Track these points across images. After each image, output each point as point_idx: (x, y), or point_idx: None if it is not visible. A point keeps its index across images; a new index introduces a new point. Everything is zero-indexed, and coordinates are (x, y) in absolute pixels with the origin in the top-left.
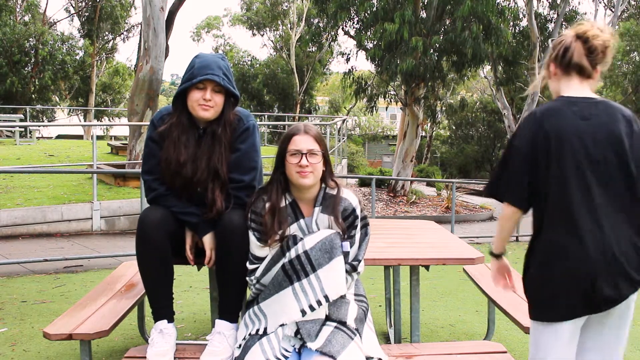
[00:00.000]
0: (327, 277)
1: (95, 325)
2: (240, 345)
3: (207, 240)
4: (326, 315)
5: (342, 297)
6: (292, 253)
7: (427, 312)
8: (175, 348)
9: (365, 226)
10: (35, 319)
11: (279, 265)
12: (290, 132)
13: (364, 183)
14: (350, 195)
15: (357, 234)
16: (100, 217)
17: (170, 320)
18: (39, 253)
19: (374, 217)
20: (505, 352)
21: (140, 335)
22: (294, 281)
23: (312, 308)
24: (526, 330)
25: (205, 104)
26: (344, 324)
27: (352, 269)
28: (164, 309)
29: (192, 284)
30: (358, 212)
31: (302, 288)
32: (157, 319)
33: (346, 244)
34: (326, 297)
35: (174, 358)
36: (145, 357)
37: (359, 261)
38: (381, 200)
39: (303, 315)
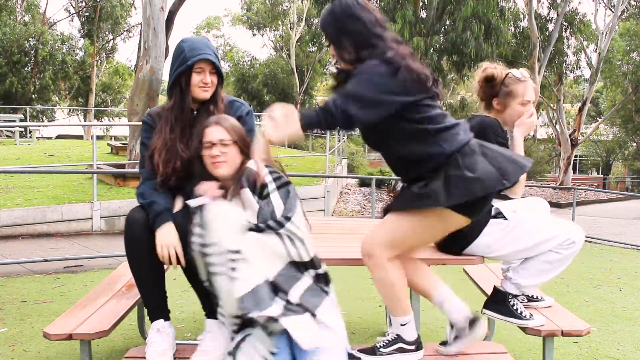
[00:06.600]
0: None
1: (95, 325)
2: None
3: (159, 234)
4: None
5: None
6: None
7: (427, 312)
8: (174, 346)
9: (284, 185)
10: (35, 319)
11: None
12: (203, 126)
13: (364, 183)
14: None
15: (276, 195)
16: (100, 217)
17: (166, 319)
18: (39, 253)
19: (374, 217)
20: (505, 353)
21: (140, 335)
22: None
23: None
24: (526, 330)
25: (205, 86)
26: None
27: (278, 226)
28: (158, 309)
29: None
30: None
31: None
32: (153, 319)
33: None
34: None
35: (174, 358)
36: (145, 357)
37: (288, 218)
38: (381, 200)
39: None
